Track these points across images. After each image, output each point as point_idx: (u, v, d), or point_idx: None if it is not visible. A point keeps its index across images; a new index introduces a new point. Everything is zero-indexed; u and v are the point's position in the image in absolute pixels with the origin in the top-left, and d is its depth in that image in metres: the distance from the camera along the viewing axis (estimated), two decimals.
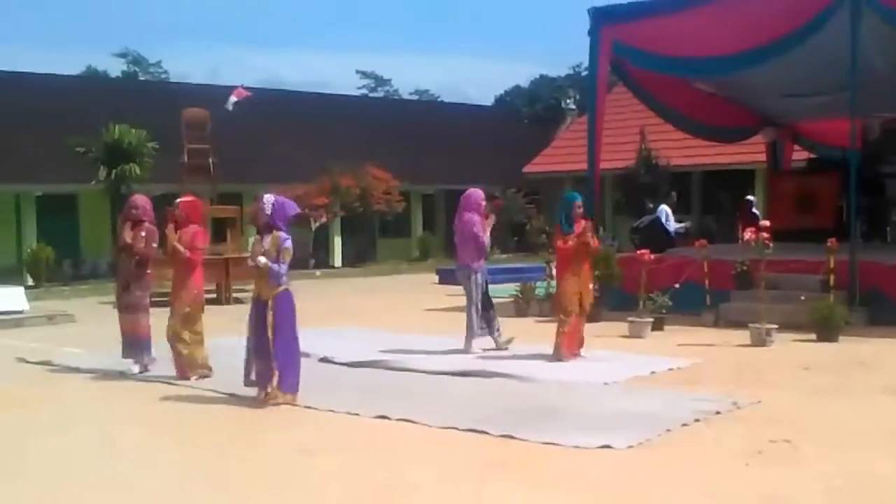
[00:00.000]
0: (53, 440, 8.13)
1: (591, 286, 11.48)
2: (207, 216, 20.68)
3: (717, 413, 8.29)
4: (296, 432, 8.16)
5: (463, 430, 7.86)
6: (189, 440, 8.12)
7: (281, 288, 9.07)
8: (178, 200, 10.95)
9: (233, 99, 22.93)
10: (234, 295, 20.07)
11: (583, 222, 11.15)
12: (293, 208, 9.42)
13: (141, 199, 11.26)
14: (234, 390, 9.65)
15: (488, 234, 11.90)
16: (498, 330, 12.03)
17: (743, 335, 12.36)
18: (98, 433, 8.39)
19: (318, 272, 28.49)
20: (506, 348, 11.89)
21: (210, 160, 21.37)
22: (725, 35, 14.82)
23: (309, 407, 8.94)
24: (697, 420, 8.02)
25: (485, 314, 11.95)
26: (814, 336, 12.46)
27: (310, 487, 6.48)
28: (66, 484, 6.76)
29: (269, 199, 9.22)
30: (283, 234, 9.09)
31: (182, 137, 21.57)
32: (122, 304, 11.12)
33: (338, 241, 33.09)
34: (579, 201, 11.32)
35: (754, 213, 20.33)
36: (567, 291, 11.11)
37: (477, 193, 12.11)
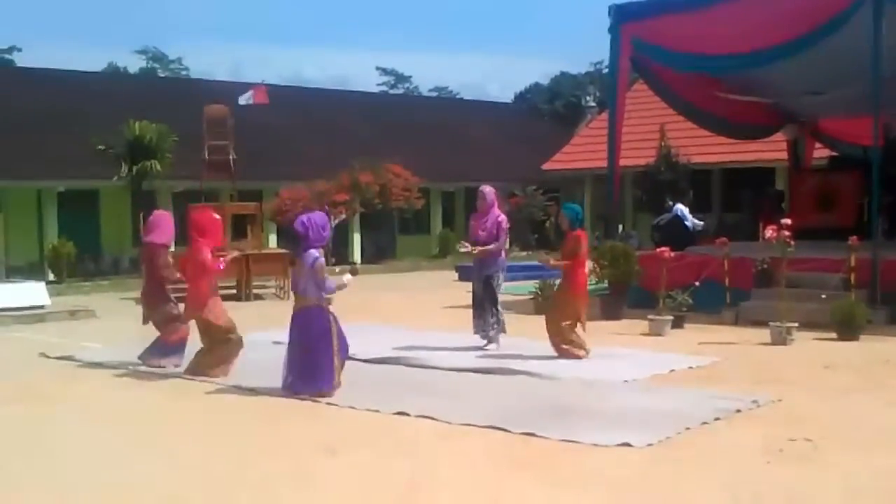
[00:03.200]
0: (72, 436, 8.20)
1: None
2: (227, 215, 20.81)
3: (738, 412, 8.28)
4: (317, 429, 8.18)
5: (483, 426, 7.87)
6: (209, 436, 8.16)
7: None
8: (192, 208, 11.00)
9: (249, 95, 22.91)
10: (255, 291, 20.17)
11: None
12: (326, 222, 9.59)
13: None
14: (256, 386, 9.72)
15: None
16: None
17: (763, 334, 12.32)
18: (117, 429, 8.43)
19: (337, 268, 28.50)
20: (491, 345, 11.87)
21: (230, 157, 21.42)
22: (746, 32, 14.75)
23: (330, 403, 8.98)
24: (717, 418, 8.02)
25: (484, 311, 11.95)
26: (835, 335, 12.41)
27: (331, 485, 6.50)
28: (82, 481, 6.80)
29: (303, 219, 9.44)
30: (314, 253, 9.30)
31: (203, 134, 21.63)
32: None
33: (357, 238, 33.12)
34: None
35: (782, 208, 20.10)
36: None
37: (491, 190, 12.12)
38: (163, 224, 11.34)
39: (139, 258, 11.65)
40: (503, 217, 11.98)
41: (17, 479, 6.81)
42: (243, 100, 22.96)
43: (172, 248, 11.43)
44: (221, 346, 10.48)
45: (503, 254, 12.03)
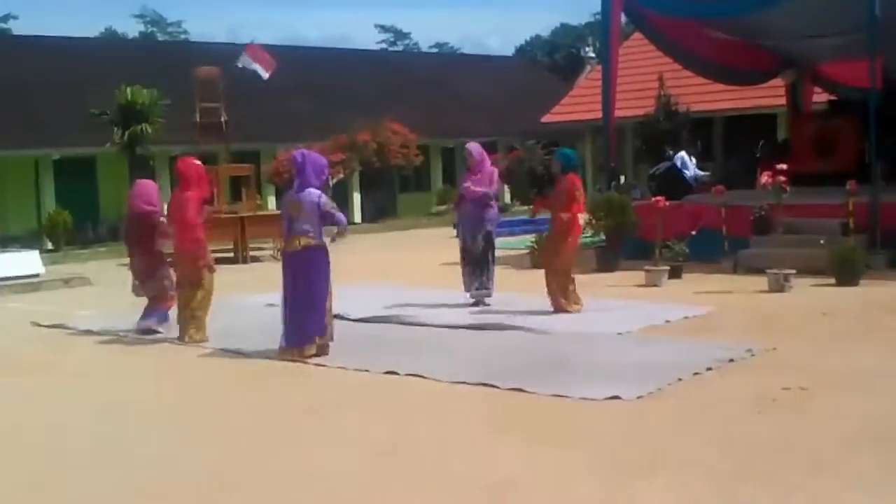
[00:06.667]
0: (57, 403, 8.10)
1: None
2: (221, 175, 20.66)
3: (731, 361, 8.14)
4: (303, 390, 8.09)
5: (472, 384, 7.77)
6: (194, 400, 8.04)
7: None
8: (180, 159, 10.82)
9: (248, 61, 22.59)
10: (251, 253, 20.06)
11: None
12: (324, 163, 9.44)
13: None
14: (241, 348, 9.61)
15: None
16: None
17: (761, 282, 12.14)
18: (103, 395, 8.31)
19: (335, 229, 28.35)
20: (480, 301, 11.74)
21: (222, 119, 21.19)
22: None
23: (319, 364, 8.87)
24: (710, 369, 7.88)
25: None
26: (833, 281, 12.23)
27: (312, 448, 6.39)
28: (63, 447, 6.72)
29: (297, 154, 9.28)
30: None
31: (194, 96, 21.40)
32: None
33: (357, 198, 32.94)
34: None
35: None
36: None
37: (477, 147, 11.99)
38: (147, 192, 11.21)
39: (127, 228, 11.42)
40: (494, 169, 11.89)
41: None
42: (243, 64, 22.62)
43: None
44: (203, 308, 10.33)
45: (496, 207, 11.86)
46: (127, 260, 11.48)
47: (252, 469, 5.93)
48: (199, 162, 11.02)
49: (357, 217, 32.62)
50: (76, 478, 5.97)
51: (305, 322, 9.09)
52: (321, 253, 9.14)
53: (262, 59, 22.68)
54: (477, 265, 11.77)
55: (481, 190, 11.61)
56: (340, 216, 9.31)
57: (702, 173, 20.92)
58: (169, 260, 10.81)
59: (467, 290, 11.81)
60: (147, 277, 11.01)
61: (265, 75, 22.67)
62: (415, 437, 6.46)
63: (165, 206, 11.35)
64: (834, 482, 5.16)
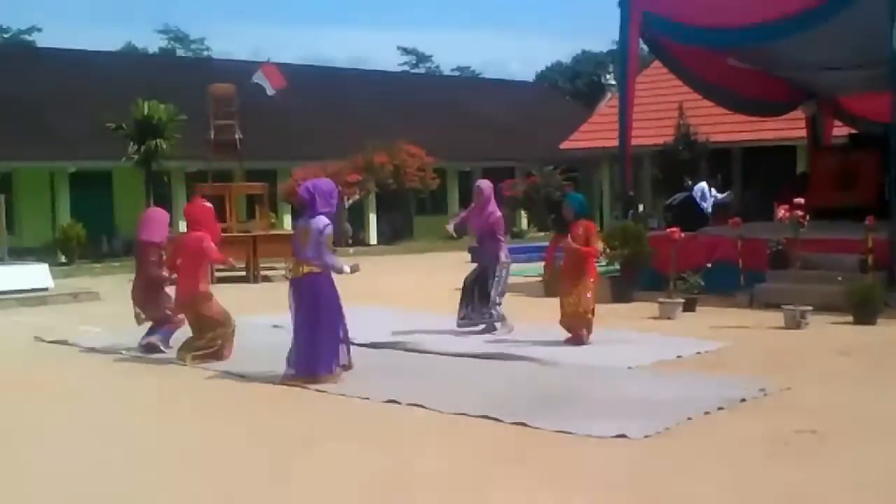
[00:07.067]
0: (43, 421, 7.93)
1: None
2: (234, 194, 20.57)
3: (743, 401, 7.89)
4: (303, 418, 7.89)
5: (474, 416, 7.54)
6: (186, 425, 7.83)
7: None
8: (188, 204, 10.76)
9: (261, 76, 22.60)
10: (263, 273, 19.91)
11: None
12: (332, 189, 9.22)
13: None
14: (244, 371, 9.43)
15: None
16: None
17: (777, 317, 11.89)
18: (92, 417, 8.14)
19: (351, 250, 28.23)
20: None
21: (237, 136, 21.09)
22: (758, 4, 14.31)
23: (319, 391, 8.67)
24: (721, 408, 7.63)
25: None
26: (851, 319, 11.97)
27: (305, 479, 6.17)
28: (32, 469, 6.53)
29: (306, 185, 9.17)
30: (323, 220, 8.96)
31: (209, 113, 21.33)
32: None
33: (373, 219, 32.82)
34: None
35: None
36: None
37: (488, 185, 11.92)
38: (156, 221, 11.11)
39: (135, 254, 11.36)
40: (498, 214, 11.72)
41: None
42: (259, 80, 22.61)
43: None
44: (211, 333, 10.15)
45: (503, 250, 11.70)
46: None
47: (245, 499, 5.73)
48: (208, 204, 10.97)
49: (373, 238, 32.51)
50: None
51: (313, 350, 8.94)
52: (323, 280, 8.97)
53: (273, 76, 22.65)
54: (465, 294, 11.64)
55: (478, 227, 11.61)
56: (328, 258, 9.00)
57: (722, 195, 20.75)
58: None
59: (458, 314, 11.70)
60: (147, 304, 10.89)
61: (271, 91, 22.63)
62: (409, 473, 6.23)
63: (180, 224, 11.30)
64: None
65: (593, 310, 10.73)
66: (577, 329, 10.68)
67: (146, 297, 10.88)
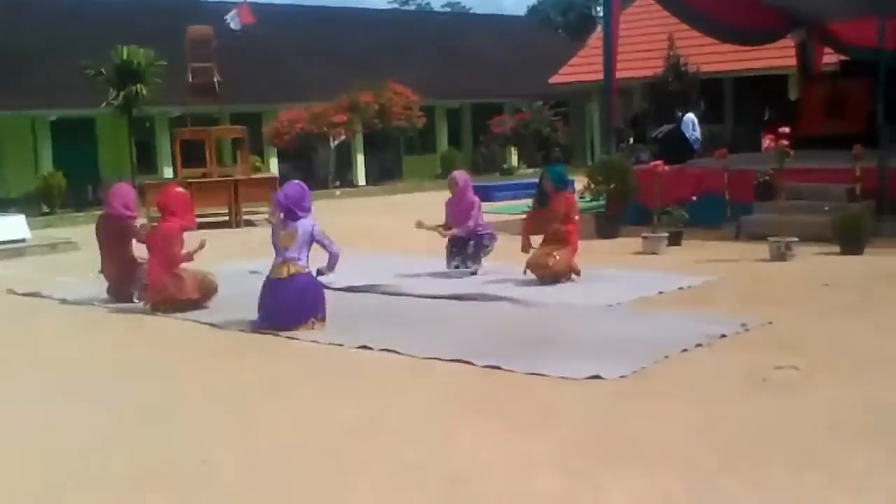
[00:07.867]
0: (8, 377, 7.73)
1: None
2: (213, 139, 20.23)
3: (723, 336, 7.68)
4: (272, 366, 7.69)
5: (447, 360, 7.34)
6: (150, 376, 7.58)
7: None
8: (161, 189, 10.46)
9: (233, 15, 22.12)
10: (245, 217, 19.65)
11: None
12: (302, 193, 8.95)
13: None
14: (217, 321, 9.23)
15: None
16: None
17: (763, 249, 11.65)
18: (60, 369, 7.92)
19: (338, 191, 27.96)
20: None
21: (215, 79, 20.66)
22: None
23: (290, 337, 8.46)
24: (699, 345, 7.42)
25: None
26: (838, 249, 11.73)
27: (267, 429, 5.97)
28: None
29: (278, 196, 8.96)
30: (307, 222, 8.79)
31: (186, 56, 20.90)
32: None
33: (360, 160, 32.47)
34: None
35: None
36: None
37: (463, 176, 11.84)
38: (128, 196, 10.84)
39: (100, 229, 11.05)
40: (476, 200, 11.61)
41: None
42: (230, 20, 22.15)
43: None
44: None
45: (482, 228, 11.56)
46: None
47: (198, 453, 5.52)
48: (181, 189, 10.74)
49: (361, 179, 32.20)
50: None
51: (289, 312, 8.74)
52: (308, 278, 8.80)
53: (242, 13, 22.19)
54: (457, 245, 11.47)
55: (463, 231, 11.41)
56: (334, 248, 8.97)
57: (696, 135, 20.53)
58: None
59: (447, 266, 11.48)
60: (122, 282, 10.64)
61: (236, 26, 22.17)
62: (378, 419, 6.03)
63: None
64: (821, 479, 4.71)
65: (568, 270, 10.51)
66: (540, 275, 10.44)
67: (120, 275, 10.62)
